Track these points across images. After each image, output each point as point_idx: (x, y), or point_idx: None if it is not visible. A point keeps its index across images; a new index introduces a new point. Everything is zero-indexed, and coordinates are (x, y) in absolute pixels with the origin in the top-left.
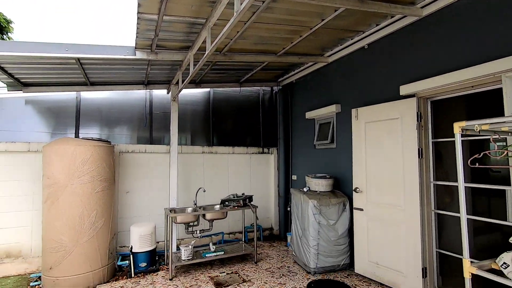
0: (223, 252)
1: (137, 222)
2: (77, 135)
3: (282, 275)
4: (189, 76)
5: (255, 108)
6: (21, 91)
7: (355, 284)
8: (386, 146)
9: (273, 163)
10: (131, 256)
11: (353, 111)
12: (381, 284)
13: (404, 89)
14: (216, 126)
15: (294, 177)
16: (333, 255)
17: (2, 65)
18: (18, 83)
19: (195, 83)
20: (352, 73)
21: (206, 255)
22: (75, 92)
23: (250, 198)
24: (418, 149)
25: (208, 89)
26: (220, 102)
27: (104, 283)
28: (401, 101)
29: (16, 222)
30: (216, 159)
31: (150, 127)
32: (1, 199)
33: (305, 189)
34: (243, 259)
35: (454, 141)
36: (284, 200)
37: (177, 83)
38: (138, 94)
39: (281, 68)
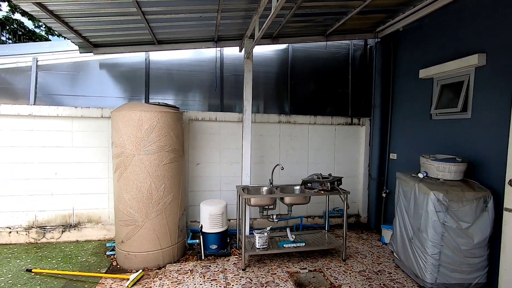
0: (304, 244)
1: (207, 197)
2: (147, 101)
3: (383, 284)
4: (270, 15)
5: (343, 69)
6: (92, 53)
7: None
8: None
9: (364, 137)
10: (201, 236)
11: None
12: None
13: None
14: (295, 91)
15: (393, 156)
16: (463, 270)
17: (64, 19)
18: (88, 44)
19: (271, 37)
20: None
21: (284, 245)
22: (144, 54)
23: (339, 180)
24: None
25: (285, 46)
26: (300, 62)
27: (174, 262)
28: None
29: (95, 189)
30: (294, 130)
31: (221, 92)
32: (80, 165)
33: (420, 175)
34: (327, 253)
35: None
36: (377, 183)
37: (251, 36)
38: (207, 55)
39: (384, 10)
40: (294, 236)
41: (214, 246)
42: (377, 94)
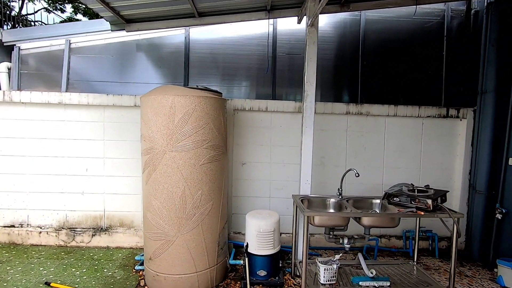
0: (388, 283)
1: (254, 205)
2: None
3: None
4: None
5: (435, 43)
6: (124, 30)
7: None
8: None
9: (464, 134)
10: (246, 258)
11: None
12: None
13: None
14: (367, 74)
15: None
16: None
17: None
18: (119, 19)
19: (340, 2)
20: None
21: (360, 284)
22: (183, 32)
23: (443, 196)
24: None
25: (354, 16)
26: (374, 36)
27: None
28: None
29: (127, 189)
30: (366, 124)
31: (273, 76)
32: (112, 161)
33: None
34: None
35: None
36: (486, 199)
37: None
38: (257, 32)
39: None
40: (374, 271)
41: (262, 272)
42: (489, 75)
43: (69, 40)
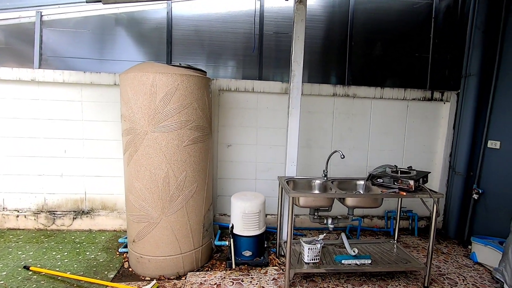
0: (369, 261)
1: (239, 187)
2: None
3: None
4: None
5: (423, 26)
6: (101, 2)
7: None
8: None
9: (447, 117)
10: (231, 239)
11: None
12: None
13: None
14: (355, 55)
15: (493, 144)
16: None
17: None
18: None
19: None
20: None
21: (343, 262)
22: (165, 7)
23: (425, 177)
24: None
25: None
26: (363, 16)
27: (197, 270)
28: None
29: (109, 171)
30: (353, 106)
31: (259, 55)
32: (92, 142)
33: None
34: (399, 271)
35: None
36: (464, 180)
37: None
38: (243, 9)
39: None
40: (356, 250)
41: (248, 253)
42: (474, 58)
43: (40, 12)
